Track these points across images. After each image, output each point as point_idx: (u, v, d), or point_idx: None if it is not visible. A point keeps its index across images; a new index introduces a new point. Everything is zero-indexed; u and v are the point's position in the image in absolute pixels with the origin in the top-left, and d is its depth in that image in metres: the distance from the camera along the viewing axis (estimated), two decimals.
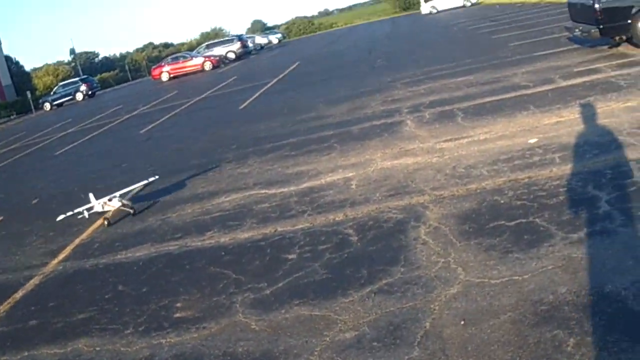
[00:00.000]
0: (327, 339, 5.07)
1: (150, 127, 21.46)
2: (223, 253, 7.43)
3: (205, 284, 6.69)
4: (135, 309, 6.57)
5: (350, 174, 9.09)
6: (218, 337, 5.53)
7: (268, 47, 55.66)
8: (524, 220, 6.33)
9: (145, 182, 11.28)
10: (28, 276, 8.61)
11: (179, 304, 6.38)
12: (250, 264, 6.92)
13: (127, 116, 27.51)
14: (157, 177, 11.63)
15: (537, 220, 6.28)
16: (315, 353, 4.90)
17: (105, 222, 9.86)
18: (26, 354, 6.28)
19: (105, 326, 6.38)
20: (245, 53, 55.45)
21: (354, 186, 8.56)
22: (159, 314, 6.29)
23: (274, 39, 56.03)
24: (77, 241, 9.62)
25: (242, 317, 5.78)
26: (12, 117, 57.52)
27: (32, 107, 56.92)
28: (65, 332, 6.55)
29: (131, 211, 10.07)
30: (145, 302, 6.66)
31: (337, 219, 7.51)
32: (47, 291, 7.90)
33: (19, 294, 8.06)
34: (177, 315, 6.15)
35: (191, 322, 5.93)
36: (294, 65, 29.06)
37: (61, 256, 9.12)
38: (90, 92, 55.90)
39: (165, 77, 50.50)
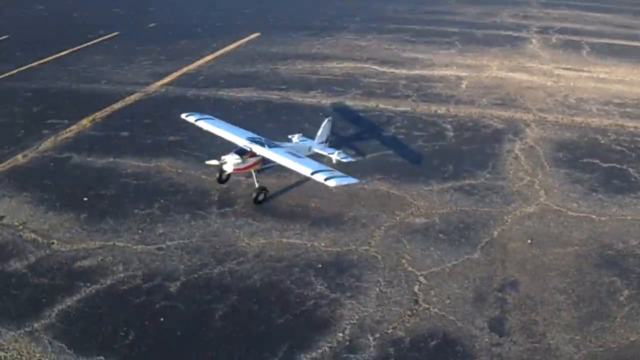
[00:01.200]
0: (398, 218, 5.15)
1: None
2: (321, 113, 7.49)
3: None
4: (224, 144, 6.75)
5: (463, 74, 8.90)
6: (296, 190, 5.70)
7: None
8: (617, 166, 6.16)
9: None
10: (130, 91, 8.91)
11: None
12: (345, 130, 7.00)
13: None
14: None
15: (630, 169, 6.11)
16: (382, 228, 5.00)
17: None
18: (111, 159, 6.62)
19: (191, 152, 6.64)
20: None
21: (463, 86, 8.40)
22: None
23: None
24: (184, 69, 9.85)
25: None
26: None
27: None
28: (152, 149, 6.85)
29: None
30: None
31: (439, 111, 7.44)
32: (145, 109, 8.19)
33: (117, 105, 8.39)
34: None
35: (274, 169, 6.02)
36: None
37: (166, 80, 9.37)
38: None
39: None
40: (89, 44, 12.49)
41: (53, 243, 5.12)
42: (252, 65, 9.73)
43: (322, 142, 6.21)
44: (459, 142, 6.57)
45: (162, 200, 5.66)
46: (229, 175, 5.83)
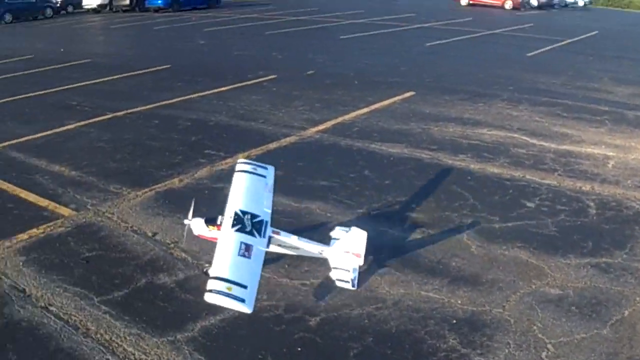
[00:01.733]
0: (533, 286, 5.29)
1: (436, 42, 21.61)
2: (469, 178, 7.74)
3: (443, 198, 7.10)
4: (373, 195, 7.12)
5: (611, 153, 8.84)
6: (437, 247, 5.96)
7: (572, 6, 52.68)
8: None
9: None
10: (286, 133, 9.50)
11: (414, 206, 6.85)
12: (490, 197, 7.18)
13: (417, 26, 27.61)
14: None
15: None
16: (518, 294, 5.16)
17: None
18: None
19: (341, 199, 7.04)
20: (548, 5, 53.06)
21: (610, 165, 8.37)
22: (394, 208, 6.80)
23: (581, 1, 52.81)
24: (339, 119, 10.35)
25: (466, 238, 6.14)
26: None
27: None
28: (303, 191, 7.31)
29: None
30: (385, 193, 7.19)
31: (583, 188, 7.48)
32: (299, 152, 8.71)
33: (272, 145, 8.98)
34: (413, 215, 6.63)
35: (418, 225, 6.38)
36: (592, 33, 27.53)
37: (321, 127, 9.90)
38: None
39: (464, 1, 49.73)
40: (248, 83, 13.30)
41: (202, 264, 5.60)
42: (405, 123, 10.06)
43: (344, 252, 5.29)
44: (600, 221, 6.57)
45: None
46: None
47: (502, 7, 48.54)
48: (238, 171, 5.60)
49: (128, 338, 4.62)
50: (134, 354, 4.44)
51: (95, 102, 12.67)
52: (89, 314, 4.93)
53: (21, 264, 5.82)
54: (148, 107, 11.87)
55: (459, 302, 5.07)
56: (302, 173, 7.85)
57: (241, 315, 4.70)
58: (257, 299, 4.66)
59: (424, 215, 6.64)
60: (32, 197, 7.32)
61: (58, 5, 52.91)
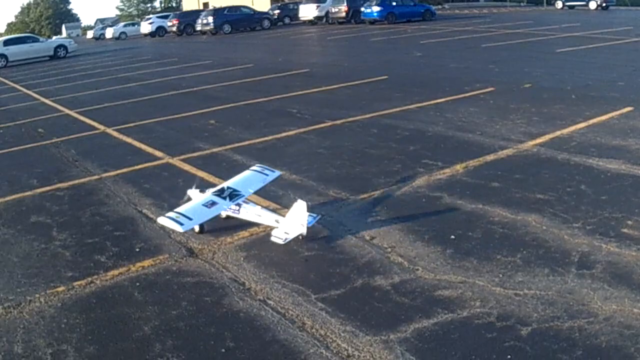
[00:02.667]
0: None
1: None
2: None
3: None
4: (589, 210, 6.81)
5: None
6: None
7: None
8: None
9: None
10: (503, 146, 9.31)
11: (630, 222, 6.44)
12: None
13: (635, 39, 25.06)
14: None
15: None
16: None
17: None
18: (480, 206, 7.08)
19: (557, 212, 6.77)
20: None
21: None
22: (607, 223, 6.45)
23: None
24: (557, 133, 9.97)
25: None
26: (521, 4, 60.36)
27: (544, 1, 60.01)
28: (520, 203, 7.12)
29: None
30: (600, 208, 6.84)
31: None
32: (516, 165, 8.49)
33: (490, 157, 8.84)
34: (624, 230, 6.26)
35: (633, 241, 5.98)
36: None
37: (538, 140, 9.59)
38: (604, 5, 53.67)
39: None
40: (464, 95, 13.25)
41: (418, 269, 5.66)
42: (623, 139, 9.46)
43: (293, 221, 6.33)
44: None
45: (524, 252, 5.89)
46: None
47: None
48: (249, 169, 7.43)
49: (342, 334, 4.78)
50: (347, 350, 4.57)
51: (314, 110, 13.24)
52: (306, 310, 5.16)
53: (242, 259, 6.23)
54: (366, 116, 12.17)
55: None
56: (518, 185, 7.68)
57: (454, 319, 4.76)
58: (470, 306, 4.94)
59: (637, 230, 6.26)
60: (252, 197, 7.81)
61: (275, 17, 55.72)
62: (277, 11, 57.61)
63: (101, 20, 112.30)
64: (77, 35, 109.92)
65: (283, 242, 6.22)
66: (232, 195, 6.66)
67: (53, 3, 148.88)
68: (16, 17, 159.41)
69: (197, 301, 5.48)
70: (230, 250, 6.45)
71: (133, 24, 78.38)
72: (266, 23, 53.31)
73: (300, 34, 42.38)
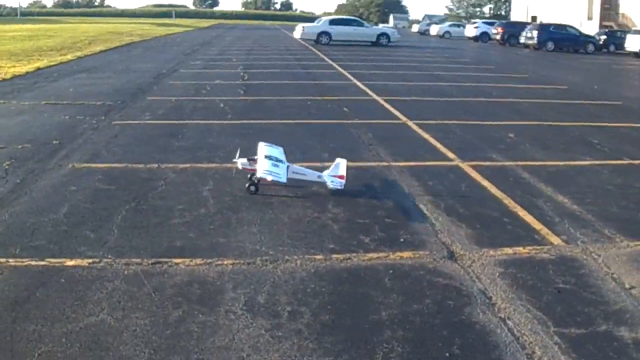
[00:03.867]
0: None
1: None
2: None
3: None
4: None
5: None
6: None
7: None
8: None
9: None
10: None
11: None
12: None
13: None
14: None
15: None
16: None
17: None
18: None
19: None
20: None
21: None
22: None
23: None
24: None
25: None
26: None
27: None
28: None
29: None
30: None
31: None
32: None
33: None
34: None
35: None
36: None
37: None
38: None
39: None
40: None
41: None
42: None
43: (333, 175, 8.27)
44: None
45: None
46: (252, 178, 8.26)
47: None
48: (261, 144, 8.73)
49: None
50: None
51: (615, 145, 12.48)
52: (540, 340, 5.00)
53: (497, 274, 6.17)
54: None
55: None
56: None
57: None
58: None
59: None
60: (528, 218, 7.66)
61: (601, 42, 52.95)
62: (603, 37, 54.66)
63: (429, 17, 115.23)
64: (403, 27, 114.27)
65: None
66: (277, 159, 8.21)
67: None
68: (347, 0, 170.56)
69: (440, 302, 5.58)
70: (489, 263, 6.44)
71: (458, 25, 79.46)
72: (590, 47, 51.07)
73: (622, 64, 39.83)
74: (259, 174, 7.97)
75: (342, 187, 8.21)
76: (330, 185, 8.22)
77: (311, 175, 8.39)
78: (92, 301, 5.37)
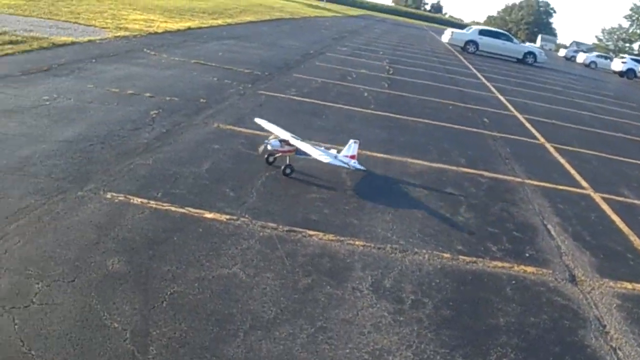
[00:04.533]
0: None
1: None
2: None
3: None
4: None
5: None
6: None
7: None
8: None
9: None
10: None
11: None
12: None
13: None
14: None
15: None
16: None
17: None
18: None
19: None
20: None
21: None
22: None
23: None
24: None
25: None
26: None
27: None
28: None
29: None
30: None
31: None
32: None
33: None
34: None
35: None
36: None
37: None
38: None
39: None
40: None
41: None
42: None
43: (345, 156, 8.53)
44: None
45: None
46: (272, 156, 8.40)
47: None
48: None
49: None
50: None
51: None
52: None
53: (615, 305, 6.24)
54: None
55: None
56: None
57: None
58: None
59: None
60: None
61: None
62: None
63: (577, 43, 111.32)
64: (550, 50, 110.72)
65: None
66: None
67: (537, 12, 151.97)
68: (498, 12, 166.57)
69: (556, 320, 5.75)
70: (607, 293, 6.51)
71: (605, 57, 76.24)
72: None
73: None
74: (324, 160, 8.08)
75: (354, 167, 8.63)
76: (350, 165, 8.56)
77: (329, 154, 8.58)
78: (226, 254, 5.77)
